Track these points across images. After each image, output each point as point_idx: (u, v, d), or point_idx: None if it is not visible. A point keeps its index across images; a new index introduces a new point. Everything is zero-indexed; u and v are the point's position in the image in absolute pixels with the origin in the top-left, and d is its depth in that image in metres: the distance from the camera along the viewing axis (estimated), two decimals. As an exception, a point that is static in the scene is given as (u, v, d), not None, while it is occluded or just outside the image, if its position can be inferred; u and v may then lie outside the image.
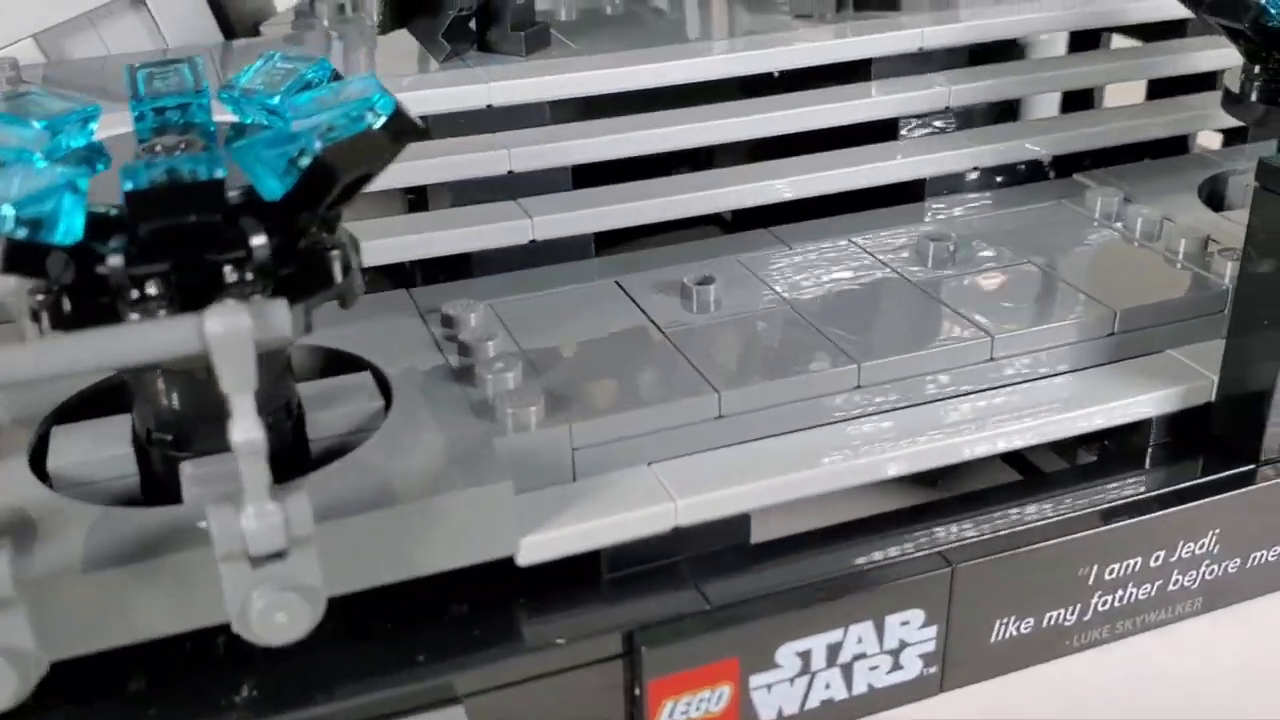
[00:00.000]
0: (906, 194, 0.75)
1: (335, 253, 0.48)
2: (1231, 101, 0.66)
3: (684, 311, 0.61)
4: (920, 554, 0.53)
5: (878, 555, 0.53)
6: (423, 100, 0.67)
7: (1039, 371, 0.59)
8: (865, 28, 0.75)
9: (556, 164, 0.69)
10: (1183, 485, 0.57)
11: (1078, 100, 0.90)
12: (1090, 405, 0.57)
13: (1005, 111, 0.81)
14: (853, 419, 0.56)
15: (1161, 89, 0.85)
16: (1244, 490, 0.57)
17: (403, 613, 0.50)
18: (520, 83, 0.69)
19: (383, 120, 0.47)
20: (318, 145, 0.44)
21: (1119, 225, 0.69)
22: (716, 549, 0.53)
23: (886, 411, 0.57)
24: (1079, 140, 0.77)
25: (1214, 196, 0.75)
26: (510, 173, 0.68)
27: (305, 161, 0.44)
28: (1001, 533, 0.54)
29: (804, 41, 0.74)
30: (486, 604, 0.51)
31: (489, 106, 0.69)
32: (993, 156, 0.74)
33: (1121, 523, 0.54)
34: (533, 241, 0.66)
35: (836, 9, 0.78)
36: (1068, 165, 0.78)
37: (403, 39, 0.74)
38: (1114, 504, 0.56)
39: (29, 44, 0.76)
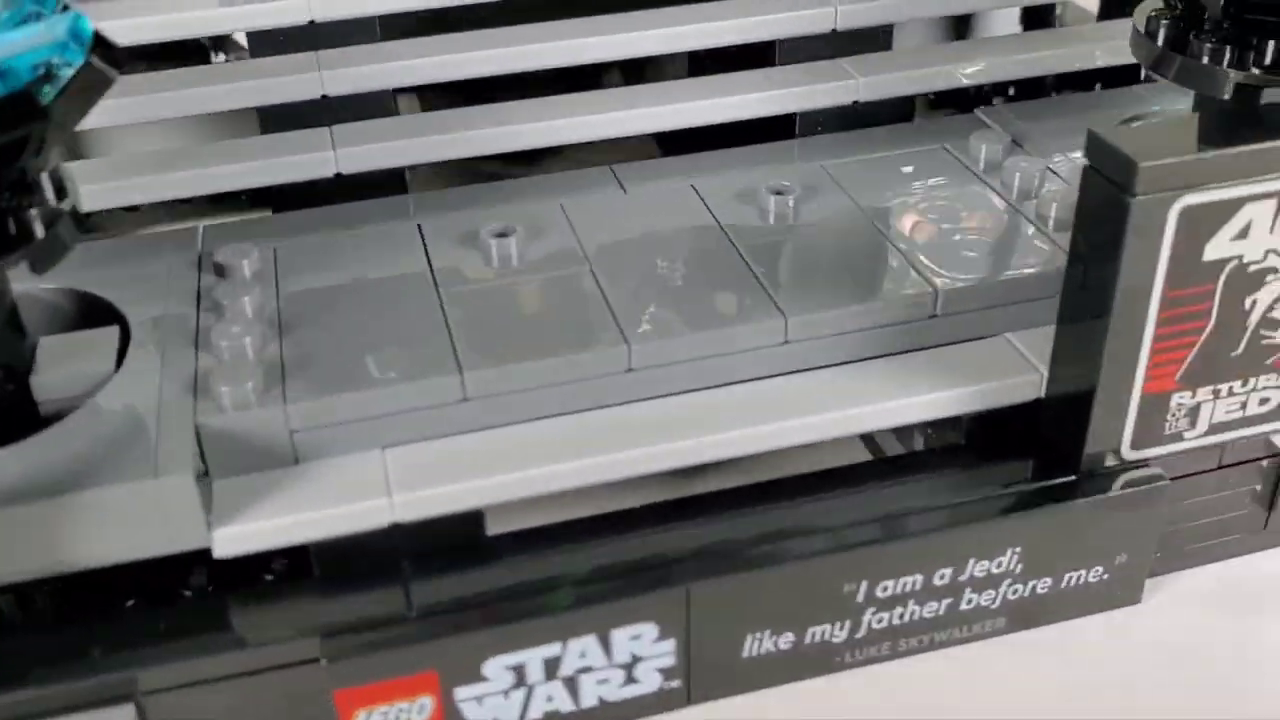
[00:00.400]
0: (780, 128, 0.68)
1: (34, 210, 0.44)
2: (1136, 39, 0.58)
3: (475, 267, 0.56)
4: (651, 568, 0.48)
5: (606, 563, 0.48)
6: (236, 17, 0.62)
7: (838, 357, 0.53)
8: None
9: (377, 87, 0.63)
10: (975, 498, 0.51)
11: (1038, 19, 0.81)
12: (878, 400, 0.51)
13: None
14: (618, 405, 0.51)
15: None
16: (1051, 506, 0.51)
17: (87, 603, 0.47)
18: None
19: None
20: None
21: (996, 180, 0.62)
22: (447, 546, 0.49)
23: (657, 399, 0.52)
24: (983, 72, 0.68)
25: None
26: (324, 97, 0.63)
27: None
28: (745, 547, 0.49)
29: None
30: (180, 596, 0.48)
31: (311, 22, 0.64)
32: (869, 90, 0.66)
33: (887, 540, 0.49)
34: (339, 175, 0.62)
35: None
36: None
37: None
38: (886, 515, 0.50)
39: None
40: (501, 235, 0.57)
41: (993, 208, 0.60)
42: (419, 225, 0.60)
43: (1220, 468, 0.54)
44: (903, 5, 0.67)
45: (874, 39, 0.68)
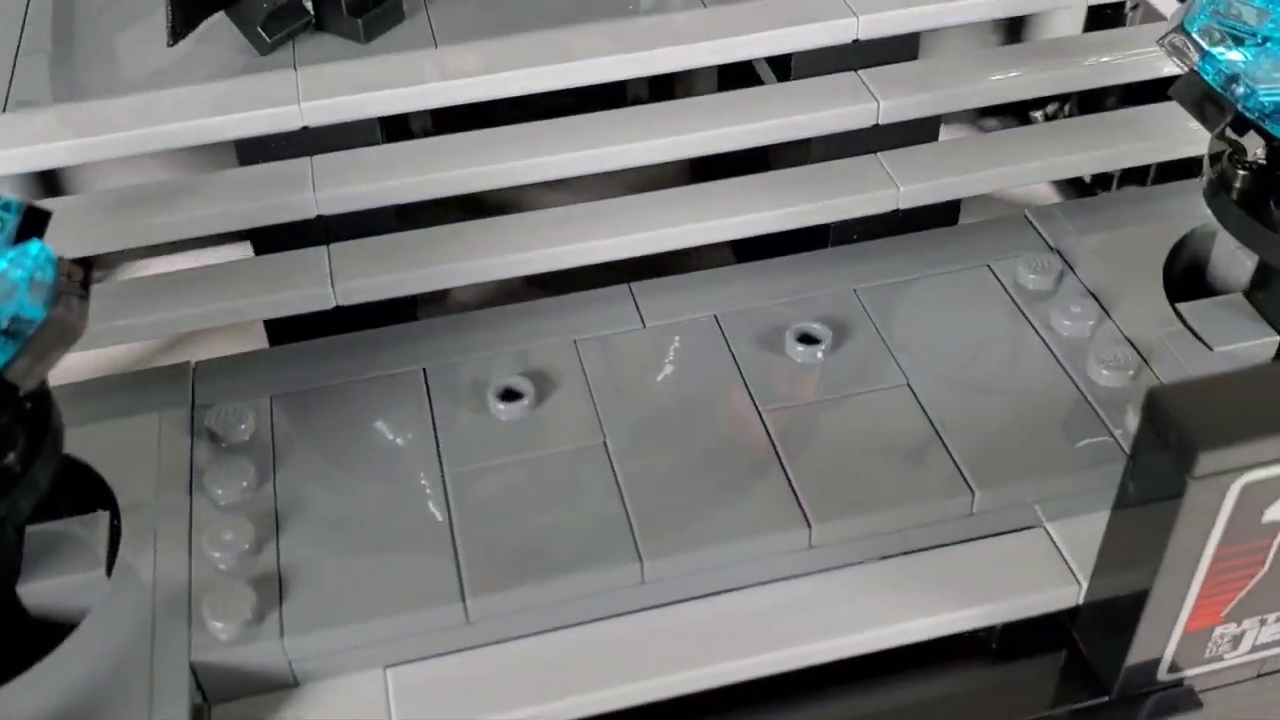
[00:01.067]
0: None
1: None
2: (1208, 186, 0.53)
3: (482, 439, 0.53)
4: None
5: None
6: (221, 128, 0.57)
7: (865, 556, 0.50)
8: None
9: (377, 205, 0.59)
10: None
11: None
12: (905, 618, 0.48)
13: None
14: (629, 614, 0.49)
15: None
16: (1076, 735, 0.49)
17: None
18: (337, 101, 0.58)
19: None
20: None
21: (1043, 321, 0.57)
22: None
23: (671, 605, 0.49)
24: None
25: (1194, 264, 0.61)
26: (319, 217, 0.58)
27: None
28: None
29: (698, 40, 0.60)
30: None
31: (304, 128, 0.58)
32: (909, 199, 0.61)
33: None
34: (338, 309, 0.58)
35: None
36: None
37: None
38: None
39: None
40: (510, 397, 0.54)
41: (1039, 367, 0.55)
42: (424, 371, 0.56)
43: (1259, 676, 0.52)
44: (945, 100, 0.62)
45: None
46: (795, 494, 0.50)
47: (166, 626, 0.46)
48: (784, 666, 0.48)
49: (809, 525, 0.49)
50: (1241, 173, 0.52)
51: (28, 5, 0.66)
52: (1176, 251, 0.60)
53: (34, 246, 0.42)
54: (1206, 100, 0.49)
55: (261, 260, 0.59)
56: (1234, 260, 0.58)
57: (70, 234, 0.55)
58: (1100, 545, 0.48)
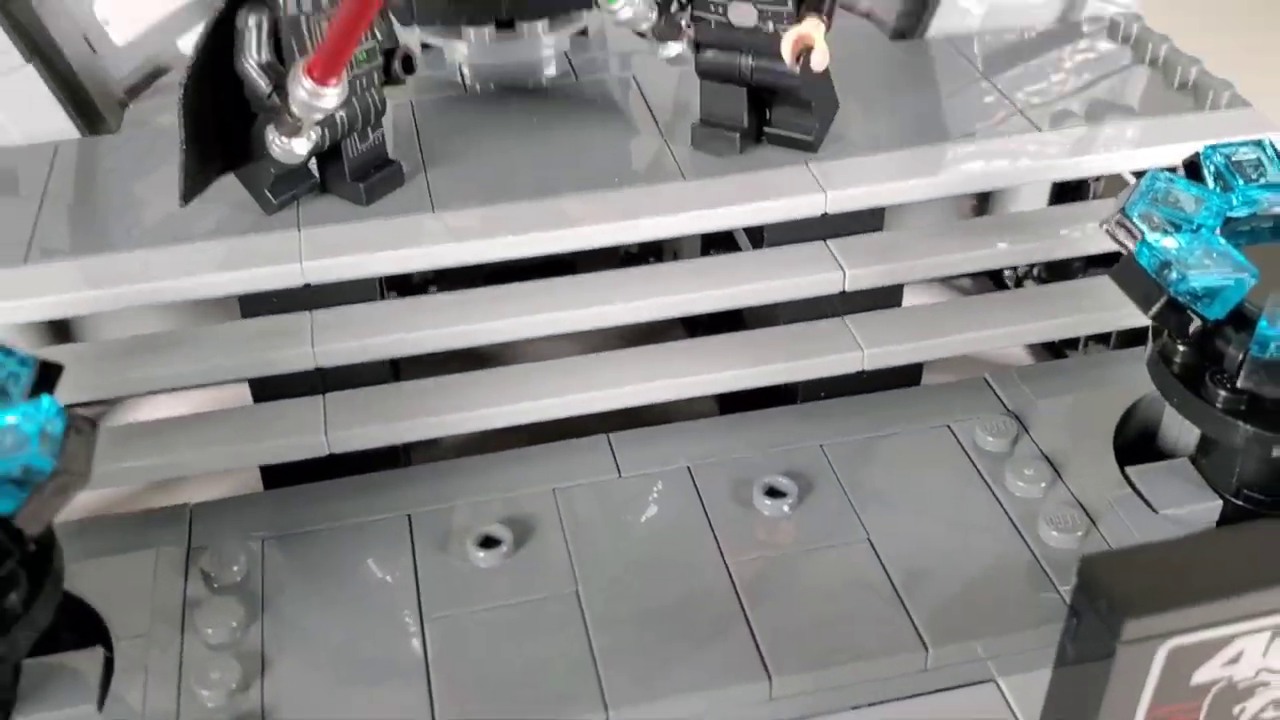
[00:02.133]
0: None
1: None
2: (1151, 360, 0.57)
3: (461, 587, 0.56)
4: None
5: None
6: (227, 284, 0.61)
7: (825, 709, 0.52)
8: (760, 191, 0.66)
9: (372, 358, 0.62)
10: None
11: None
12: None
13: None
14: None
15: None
16: None
17: None
18: (338, 261, 0.62)
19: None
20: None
21: (998, 482, 0.60)
22: None
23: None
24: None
25: (1145, 429, 0.64)
26: (317, 369, 0.62)
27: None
28: None
29: (679, 211, 0.65)
30: None
31: (306, 285, 0.62)
32: (873, 360, 0.65)
33: None
34: (331, 455, 0.61)
35: (740, 149, 0.68)
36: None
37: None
38: None
39: None
40: (489, 544, 0.57)
41: (994, 526, 0.58)
42: (409, 517, 0.59)
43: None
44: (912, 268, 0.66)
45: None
46: (757, 646, 0.52)
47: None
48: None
49: (769, 678, 0.51)
50: (1180, 348, 0.56)
51: (54, 156, 0.71)
52: (1128, 416, 0.63)
53: (45, 401, 0.45)
54: (1142, 283, 0.53)
55: (259, 408, 0.62)
56: (1181, 426, 0.61)
57: (77, 380, 0.58)
58: (1044, 702, 0.51)
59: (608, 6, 0.63)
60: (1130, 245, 0.54)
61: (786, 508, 0.58)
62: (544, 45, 0.79)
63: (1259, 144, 0.58)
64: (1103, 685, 0.45)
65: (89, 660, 0.52)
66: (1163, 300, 0.52)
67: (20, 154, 0.71)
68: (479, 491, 0.60)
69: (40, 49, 0.72)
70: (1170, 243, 0.53)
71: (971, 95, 0.75)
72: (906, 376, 0.67)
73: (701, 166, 0.68)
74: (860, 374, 0.65)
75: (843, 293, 0.66)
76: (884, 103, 0.74)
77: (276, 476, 0.63)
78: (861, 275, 0.65)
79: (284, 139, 0.59)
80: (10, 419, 0.45)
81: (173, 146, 0.61)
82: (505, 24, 0.78)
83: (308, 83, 0.55)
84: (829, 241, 0.66)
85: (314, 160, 0.65)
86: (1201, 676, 0.46)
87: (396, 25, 0.67)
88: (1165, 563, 0.46)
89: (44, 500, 0.44)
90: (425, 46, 0.80)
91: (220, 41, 0.59)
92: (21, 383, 0.47)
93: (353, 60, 0.61)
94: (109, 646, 0.53)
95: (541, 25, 0.78)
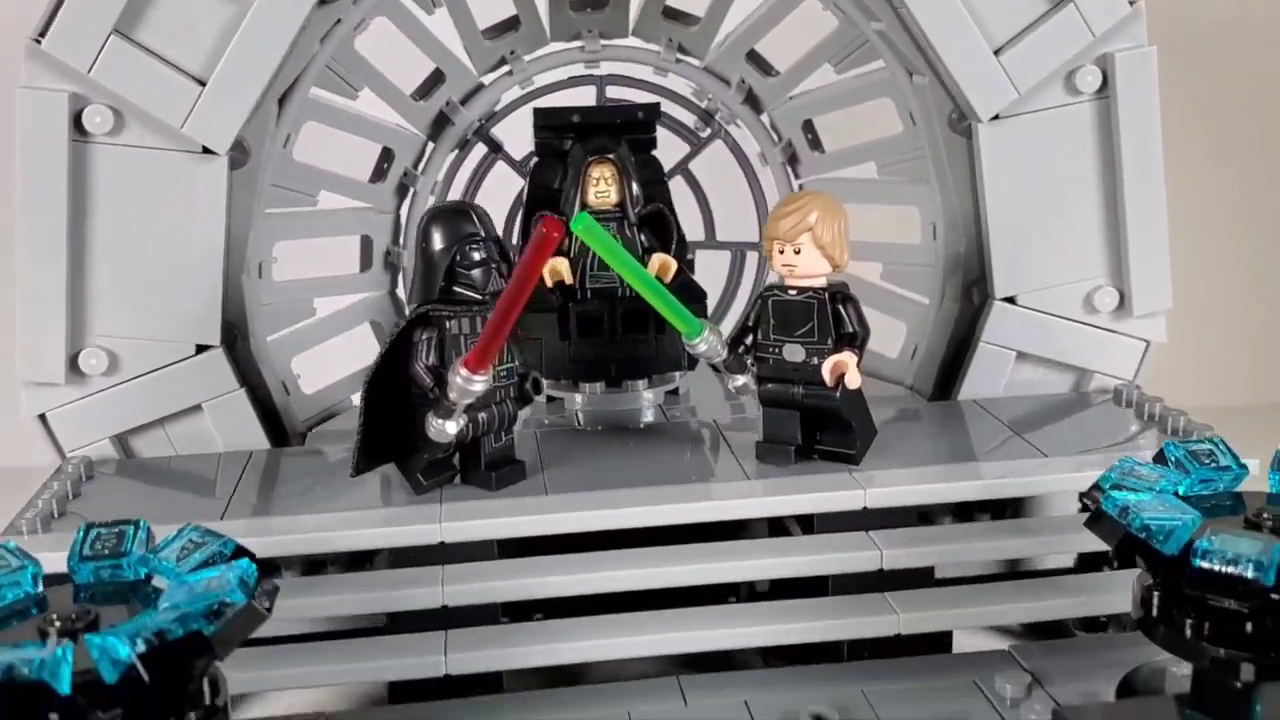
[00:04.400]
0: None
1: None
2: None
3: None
4: None
5: None
6: (380, 537, 0.77)
7: None
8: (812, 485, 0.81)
9: (487, 600, 0.76)
10: None
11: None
12: None
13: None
14: None
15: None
16: None
17: None
18: (466, 524, 0.77)
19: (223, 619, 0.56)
20: (140, 646, 0.53)
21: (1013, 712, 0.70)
22: None
23: None
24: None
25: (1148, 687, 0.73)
26: (444, 607, 0.76)
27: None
28: None
29: (745, 498, 0.80)
30: None
31: (441, 543, 0.78)
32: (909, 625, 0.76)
33: None
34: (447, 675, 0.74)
35: (794, 461, 0.84)
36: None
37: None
38: None
39: (105, 443, 0.91)
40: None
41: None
42: (492, 728, 0.70)
43: None
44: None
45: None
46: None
47: None
48: None
49: None
50: (1155, 594, 0.67)
51: (249, 459, 0.90)
52: (1131, 676, 0.73)
53: (244, 562, 0.60)
54: (1110, 526, 0.65)
55: (392, 637, 0.75)
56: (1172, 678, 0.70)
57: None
58: None
59: (688, 341, 0.82)
60: (1100, 501, 0.67)
61: (829, 730, 0.68)
62: (643, 399, 0.98)
63: (1213, 440, 0.72)
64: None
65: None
66: (1121, 535, 0.64)
67: (224, 456, 0.91)
68: (563, 711, 0.71)
69: (249, 380, 0.93)
70: (1131, 497, 0.66)
71: (995, 436, 0.90)
72: (938, 645, 0.78)
73: (764, 472, 0.83)
74: (898, 638, 0.76)
75: (881, 570, 0.78)
76: (920, 437, 0.90)
77: (400, 695, 0.75)
78: (897, 556, 0.78)
79: (439, 421, 0.76)
80: (221, 568, 0.60)
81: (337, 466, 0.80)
82: (613, 382, 0.98)
83: (464, 372, 0.74)
84: (871, 532, 0.80)
85: (457, 457, 0.82)
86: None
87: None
88: None
89: (232, 629, 0.58)
90: (550, 399, 1.00)
91: (398, 352, 0.79)
92: (227, 551, 0.62)
93: (495, 374, 0.80)
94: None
95: (642, 384, 0.98)
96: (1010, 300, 0.97)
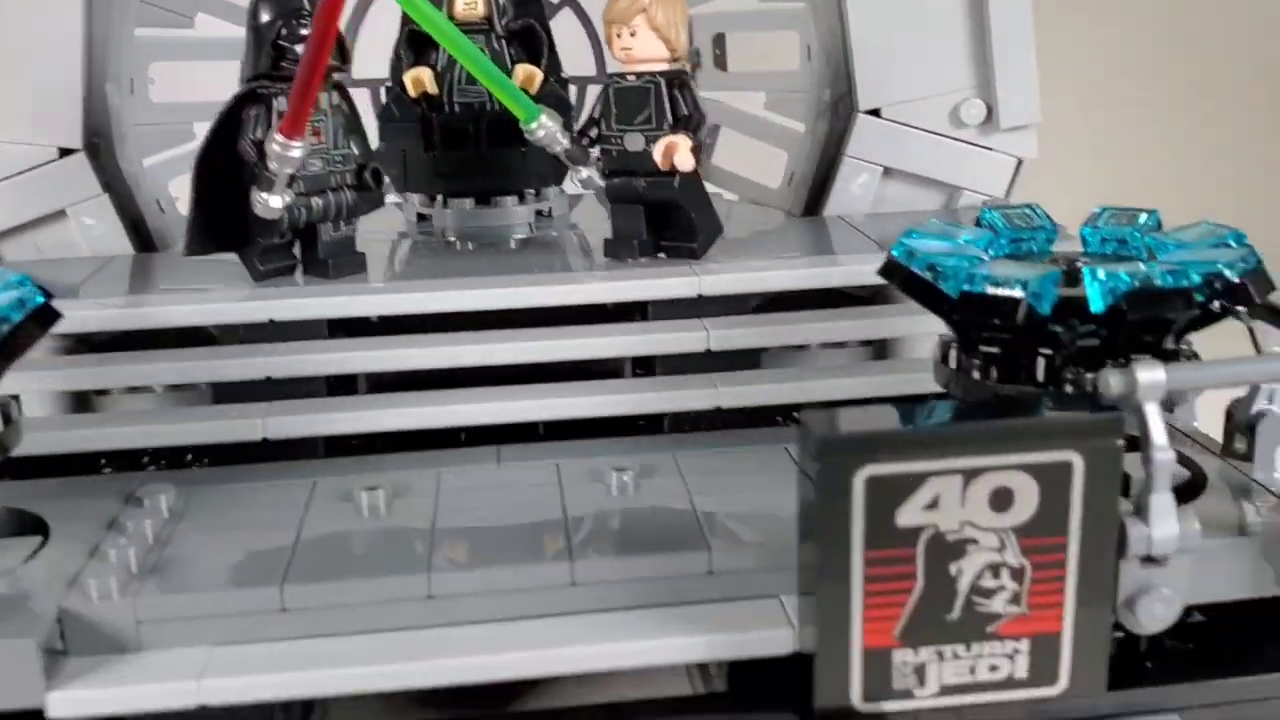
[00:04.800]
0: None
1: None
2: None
3: (343, 514, 0.67)
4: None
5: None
6: (209, 314, 0.78)
7: (623, 603, 0.60)
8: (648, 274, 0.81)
9: (311, 374, 0.77)
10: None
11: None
12: (620, 641, 0.58)
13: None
14: (417, 628, 0.60)
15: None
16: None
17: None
18: (293, 303, 0.78)
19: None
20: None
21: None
22: (248, 732, 0.57)
23: (454, 625, 0.60)
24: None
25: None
26: (268, 379, 0.77)
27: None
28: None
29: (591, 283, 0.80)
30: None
31: (270, 321, 0.79)
32: (732, 398, 0.77)
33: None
34: (264, 440, 0.74)
35: (640, 255, 0.84)
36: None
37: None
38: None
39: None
40: (371, 489, 0.68)
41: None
42: (315, 482, 0.71)
43: (966, 732, 0.58)
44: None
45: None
46: (568, 542, 0.62)
47: (51, 586, 0.59)
48: (520, 674, 0.58)
49: (570, 560, 0.60)
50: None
51: (110, 262, 0.90)
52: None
53: (29, 287, 0.61)
54: (898, 272, 0.65)
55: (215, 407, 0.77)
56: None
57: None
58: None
59: (525, 127, 0.82)
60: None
61: (627, 477, 0.69)
62: (515, 215, 0.98)
63: (1031, 206, 0.72)
64: (815, 523, 0.54)
65: (28, 541, 0.64)
66: (904, 276, 0.64)
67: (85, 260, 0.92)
68: (380, 471, 0.72)
69: (117, 191, 0.93)
70: (921, 241, 0.66)
71: (847, 241, 0.90)
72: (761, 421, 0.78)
73: (611, 266, 0.84)
74: (718, 411, 0.77)
75: (708, 352, 0.79)
76: (770, 243, 0.90)
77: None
78: (723, 336, 0.78)
79: (264, 195, 0.77)
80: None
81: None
82: (483, 198, 0.98)
83: (279, 138, 0.74)
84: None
85: (298, 247, 0.83)
86: (906, 519, 0.54)
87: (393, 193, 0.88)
88: (867, 411, 0.56)
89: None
90: (421, 216, 1.00)
91: (228, 131, 0.79)
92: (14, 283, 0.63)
93: (330, 159, 0.80)
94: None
95: (512, 200, 0.98)
96: (875, 113, 0.96)
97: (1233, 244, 0.64)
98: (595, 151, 0.84)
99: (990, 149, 0.97)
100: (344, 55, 0.81)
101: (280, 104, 0.79)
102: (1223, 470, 0.68)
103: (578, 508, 0.67)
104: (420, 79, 0.95)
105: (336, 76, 0.82)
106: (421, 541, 0.63)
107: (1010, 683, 0.57)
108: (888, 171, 0.97)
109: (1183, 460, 0.70)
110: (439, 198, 0.98)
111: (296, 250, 0.84)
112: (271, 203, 0.77)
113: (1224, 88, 1.71)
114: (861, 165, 0.97)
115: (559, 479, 0.70)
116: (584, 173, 0.84)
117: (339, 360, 0.77)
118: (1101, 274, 0.59)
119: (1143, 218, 0.69)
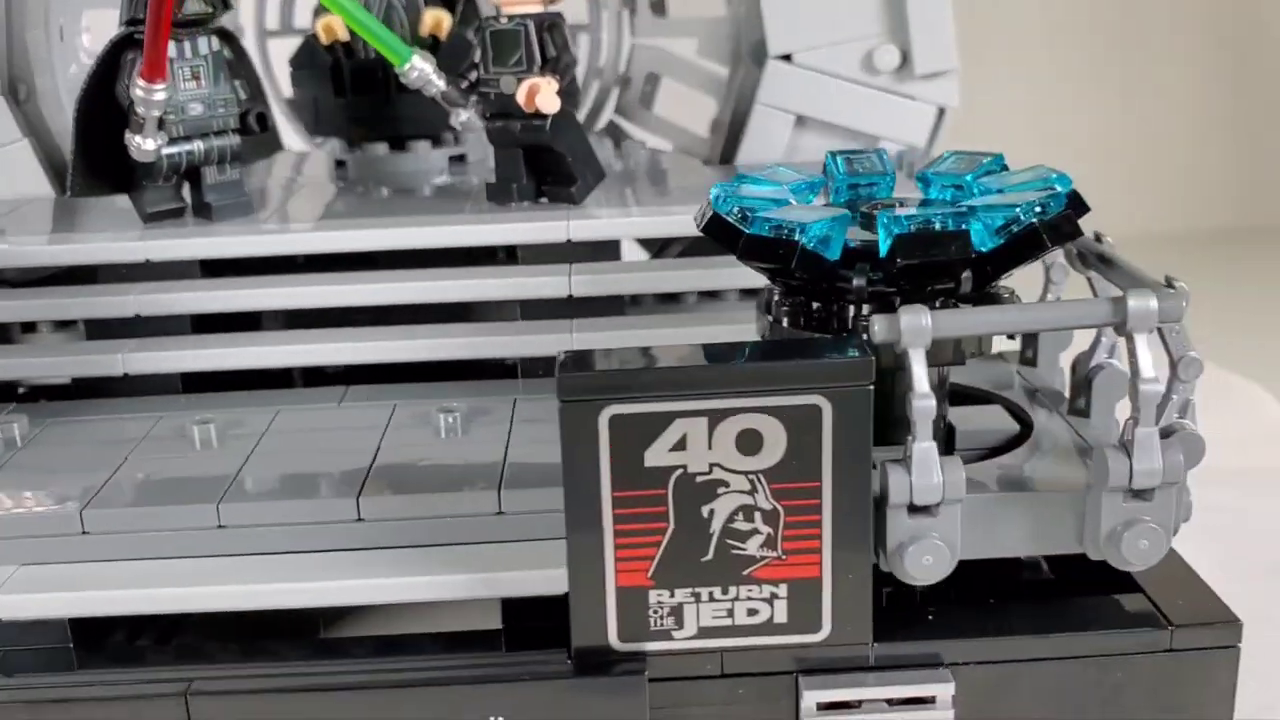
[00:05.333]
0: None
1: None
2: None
3: (175, 443, 0.70)
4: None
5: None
6: (85, 253, 0.80)
7: (414, 540, 0.62)
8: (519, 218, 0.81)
9: (176, 312, 0.79)
10: (462, 665, 0.57)
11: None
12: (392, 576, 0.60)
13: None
14: (206, 556, 0.62)
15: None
16: (532, 682, 0.56)
17: None
18: (170, 243, 0.80)
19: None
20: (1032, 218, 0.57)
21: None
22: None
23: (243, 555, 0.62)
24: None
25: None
26: (137, 316, 0.79)
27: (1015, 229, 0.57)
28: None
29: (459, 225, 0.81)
30: None
31: (147, 260, 0.81)
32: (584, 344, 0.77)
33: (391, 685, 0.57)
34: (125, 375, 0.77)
35: (519, 199, 0.84)
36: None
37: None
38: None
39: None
40: (203, 422, 0.70)
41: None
42: (160, 417, 0.73)
43: (724, 676, 0.58)
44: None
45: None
46: (364, 480, 0.63)
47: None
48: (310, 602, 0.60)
49: (356, 495, 0.62)
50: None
51: (27, 205, 0.94)
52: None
53: None
54: (713, 221, 0.64)
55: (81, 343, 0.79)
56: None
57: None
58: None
59: (399, 70, 0.82)
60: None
61: (453, 419, 0.69)
62: (429, 160, 0.99)
63: (879, 152, 0.70)
64: (570, 458, 0.54)
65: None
66: (709, 219, 0.63)
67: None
68: (234, 408, 0.74)
69: (40, 137, 0.96)
70: (736, 186, 0.65)
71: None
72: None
73: (491, 210, 0.84)
74: (570, 356, 0.77)
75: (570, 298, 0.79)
76: (666, 187, 0.89)
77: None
78: (587, 281, 0.78)
79: (136, 138, 0.79)
80: None
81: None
82: (397, 144, 0.99)
83: (141, 83, 0.76)
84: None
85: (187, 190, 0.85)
86: (654, 459, 0.54)
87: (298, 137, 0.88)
88: (621, 351, 0.56)
89: None
90: (340, 163, 1.01)
91: (108, 77, 0.81)
92: None
93: (210, 104, 0.82)
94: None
95: (425, 144, 0.99)
96: (786, 59, 0.94)
97: (1057, 187, 0.62)
98: (473, 96, 0.84)
99: (911, 97, 0.95)
100: (225, 2, 0.82)
101: (154, 48, 0.80)
102: (1054, 426, 0.66)
103: (394, 447, 0.67)
104: (330, 26, 0.96)
105: (219, 22, 0.83)
106: (229, 474, 0.65)
107: (770, 627, 0.57)
108: (802, 120, 0.96)
109: (1014, 413, 0.68)
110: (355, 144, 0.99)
111: (187, 194, 0.86)
112: (145, 145, 0.79)
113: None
114: (774, 113, 0.95)
115: (389, 420, 0.71)
116: (463, 115, 0.84)
117: (205, 299, 0.79)
118: (885, 219, 0.58)
119: (985, 161, 0.67)
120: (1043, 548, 0.59)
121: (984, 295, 0.62)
